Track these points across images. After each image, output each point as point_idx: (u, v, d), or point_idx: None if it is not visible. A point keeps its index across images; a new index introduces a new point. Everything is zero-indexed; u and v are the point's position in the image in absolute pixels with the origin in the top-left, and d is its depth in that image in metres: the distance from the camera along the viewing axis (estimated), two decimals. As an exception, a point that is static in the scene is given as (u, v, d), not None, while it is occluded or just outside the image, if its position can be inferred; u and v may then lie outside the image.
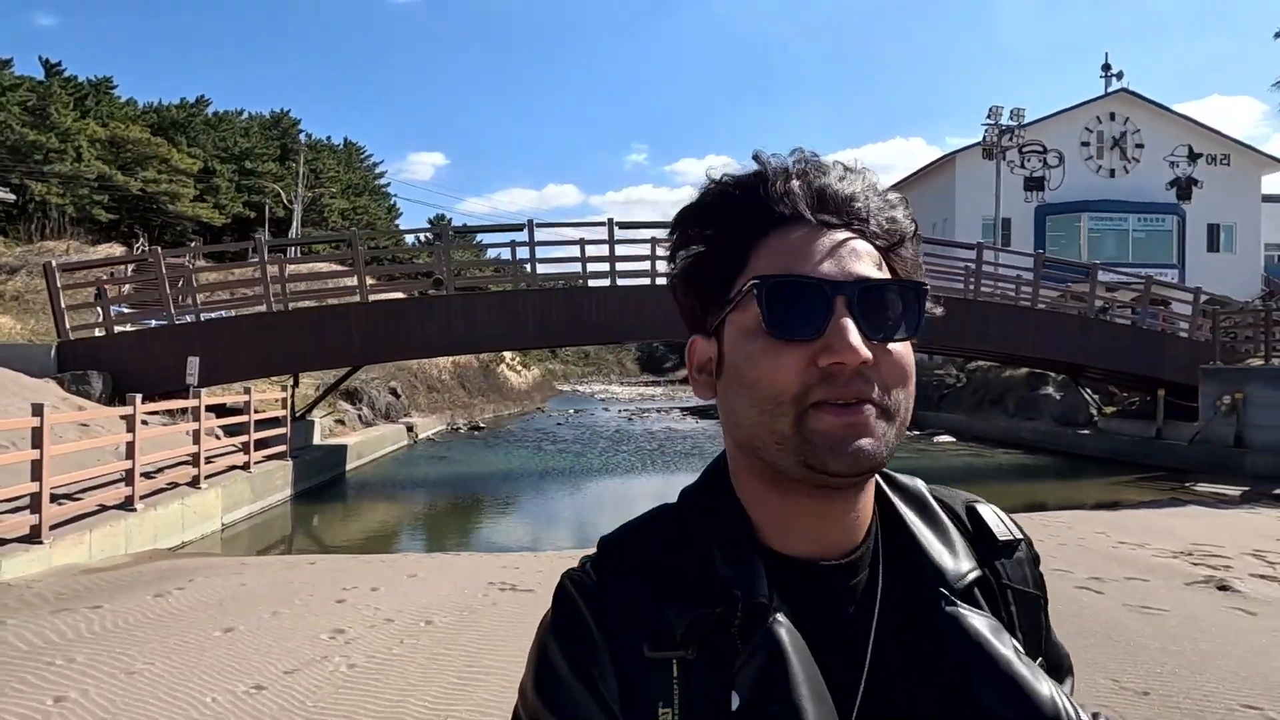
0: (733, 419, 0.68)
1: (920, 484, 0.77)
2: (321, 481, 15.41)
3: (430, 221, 72.62)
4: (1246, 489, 15.06)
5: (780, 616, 0.63)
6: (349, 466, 17.33)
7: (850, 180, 0.70)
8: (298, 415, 16.13)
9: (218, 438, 12.83)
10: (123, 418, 9.62)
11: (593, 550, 0.72)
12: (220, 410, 13.10)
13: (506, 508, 15.16)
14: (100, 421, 11.12)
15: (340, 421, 20.21)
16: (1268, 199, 40.45)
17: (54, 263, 14.89)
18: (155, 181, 50.35)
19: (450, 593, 6.45)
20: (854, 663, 0.66)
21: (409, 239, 43.96)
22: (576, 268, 18.23)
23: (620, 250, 17.42)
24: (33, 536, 7.59)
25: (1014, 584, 0.74)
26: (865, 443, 0.63)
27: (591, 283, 17.90)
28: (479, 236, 46.78)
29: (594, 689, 0.63)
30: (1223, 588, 6.51)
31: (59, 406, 11.21)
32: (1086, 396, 23.78)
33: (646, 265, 17.85)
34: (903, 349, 0.67)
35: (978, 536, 0.75)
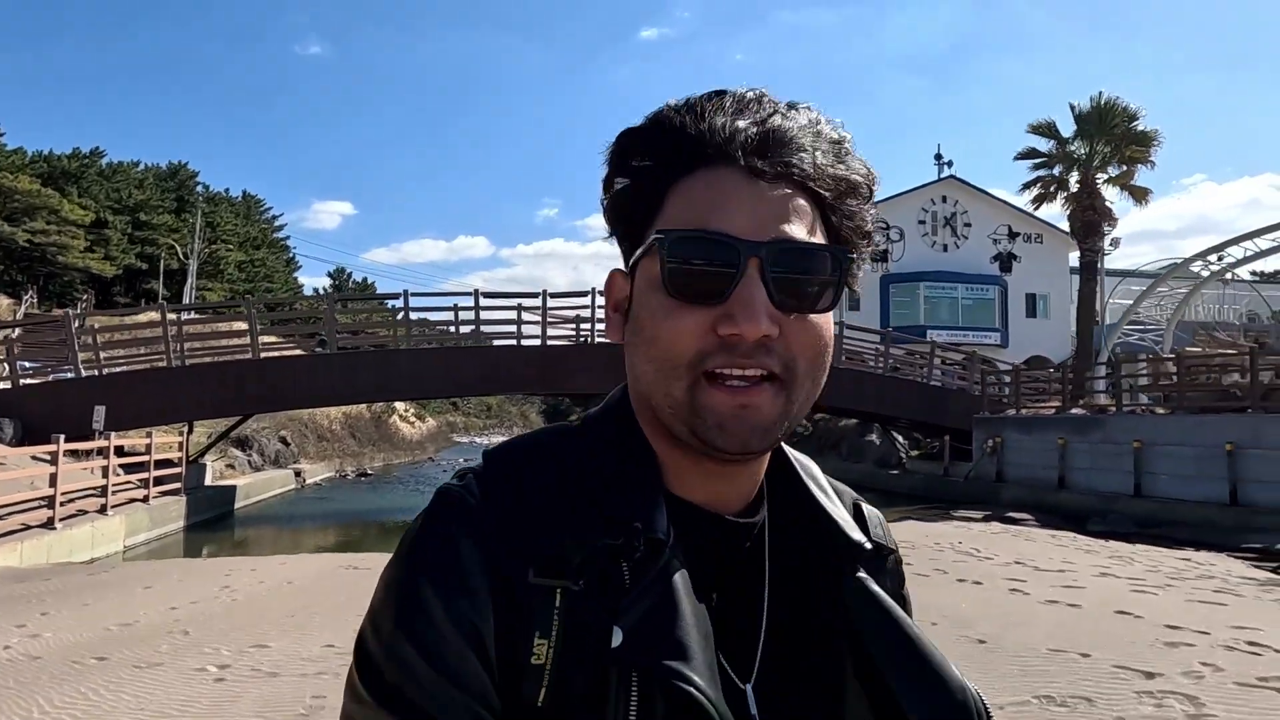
0: (633, 370, 0.64)
1: (812, 463, 0.75)
2: (212, 516, 17.51)
3: (330, 275, 74.25)
4: (989, 513, 18.87)
5: (676, 557, 0.59)
6: (238, 505, 19.40)
7: (794, 120, 0.63)
8: (192, 459, 18.18)
9: (117, 474, 14.89)
10: (46, 455, 11.83)
11: (474, 463, 0.65)
12: (119, 451, 15.19)
13: (375, 533, 17.61)
14: (13, 460, 13.18)
15: (231, 466, 22.17)
16: (1076, 271, 46.87)
17: (-31, 322, 16.71)
18: (44, 232, 50.07)
19: (309, 571, 9.11)
20: (747, 618, 0.64)
21: (307, 291, 45.69)
22: (480, 325, 21.12)
23: (489, 315, 20.42)
24: (-21, 543, 9.82)
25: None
26: (757, 424, 0.59)
27: (464, 342, 20.80)
28: (379, 289, 49.45)
29: (461, 621, 0.57)
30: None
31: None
32: (899, 442, 27.97)
33: (513, 328, 20.86)
34: (819, 320, 0.61)
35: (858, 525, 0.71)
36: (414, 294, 20.08)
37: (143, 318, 22.87)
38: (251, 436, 24.53)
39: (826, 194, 0.62)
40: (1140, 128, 21.41)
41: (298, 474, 25.85)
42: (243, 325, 19.90)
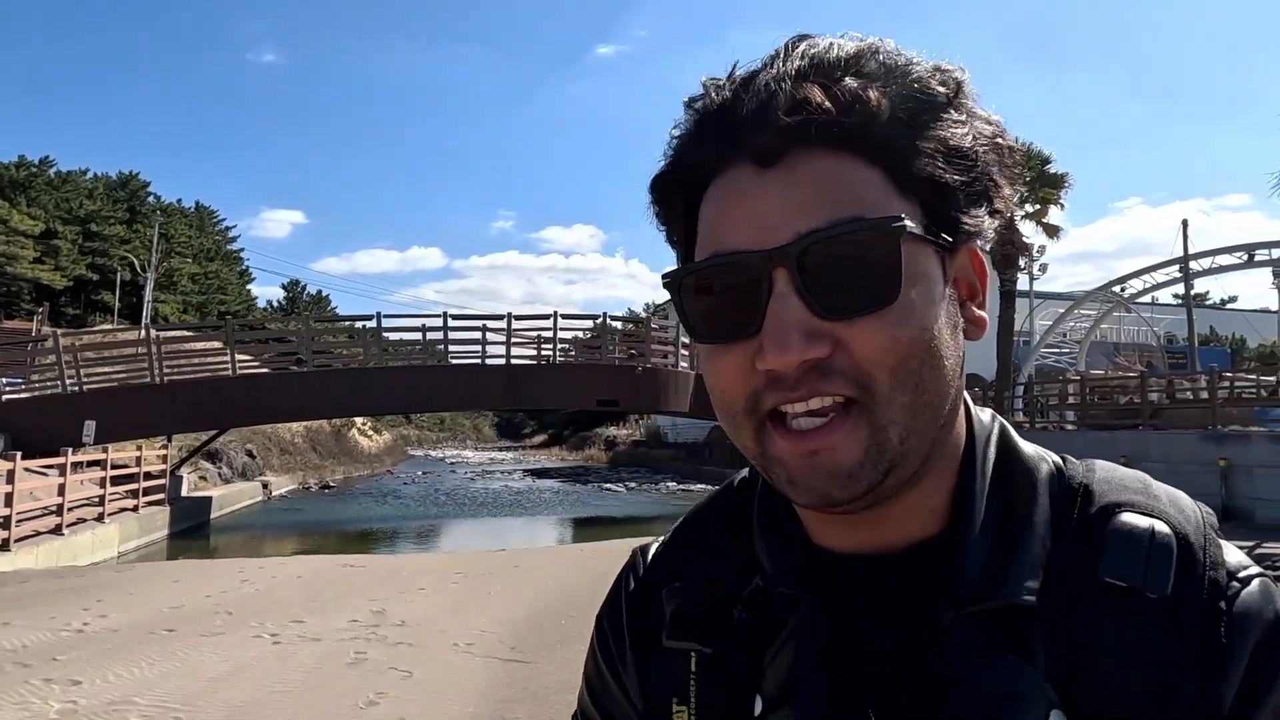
0: None
1: (1048, 467, 0.56)
2: (192, 525, 18.47)
3: (284, 287, 74.31)
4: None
5: (810, 613, 0.53)
6: (213, 515, 20.32)
7: (811, 58, 0.48)
8: (171, 471, 19.09)
9: (104, 486, 15.82)
10: (52, 468, 12.84)
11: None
12: (103, 464, 16.11)
13: (338, 540, 18.75)
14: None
15: (203, 478, 22.99)
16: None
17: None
18: (-7, 243, 49.63)
19: (312, 569, 10.36)
20: (872, 676, 0.52)
21: (260, 303, 46.12)
22: (449, 345, 22.42)
23: (456, 335, 21.73)
24: (3, 546, 10.85)
25: (1104, 659, 0.48)
26: (835, 472, 0.48)
27: (431, 361, 22.08)
28: (333, 302, 50.26)
29: (616, 675, 0.63)
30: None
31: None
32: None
33: (478, 348, 22.18)
34: (896, 315, 0.47)
35: (1083, 557, 0.51)
36: (386, 315, 21.30)
37: (115, 336, 23.59)
38: (221, 449, 25.31)
39: (880, 133, 0.47)
40: (1052, 170, 23.68)
41: (265, 486, 26.68)
42: (215, 344, 20.83)
